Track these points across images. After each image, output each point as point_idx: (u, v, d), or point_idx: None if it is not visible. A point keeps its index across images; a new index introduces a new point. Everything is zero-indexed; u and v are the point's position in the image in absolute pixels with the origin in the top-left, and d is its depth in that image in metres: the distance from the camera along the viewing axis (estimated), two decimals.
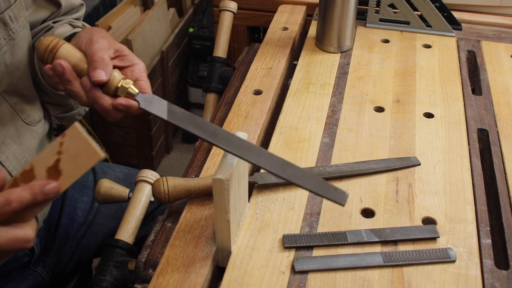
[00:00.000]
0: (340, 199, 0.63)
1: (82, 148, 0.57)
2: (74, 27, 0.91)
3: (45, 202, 0.61)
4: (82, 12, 0.97)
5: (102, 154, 0.57)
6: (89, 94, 0.71)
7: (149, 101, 0.71)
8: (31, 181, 0.60)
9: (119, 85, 0.71)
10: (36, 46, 0.83)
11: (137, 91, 0.71)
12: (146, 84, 0.73)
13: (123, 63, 0.74)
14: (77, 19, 0.95)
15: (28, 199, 0.59)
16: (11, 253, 0.64)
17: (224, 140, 0.64)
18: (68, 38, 0.83)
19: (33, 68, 0.89)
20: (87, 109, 1.01)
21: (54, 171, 0.59)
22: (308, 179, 0.63)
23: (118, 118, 0.74)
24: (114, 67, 0.73)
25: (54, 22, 0.92)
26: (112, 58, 0.73)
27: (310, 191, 0.63)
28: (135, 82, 0.73)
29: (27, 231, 0.61)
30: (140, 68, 0.75)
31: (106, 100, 0.71)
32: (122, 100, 0.71)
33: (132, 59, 0.75)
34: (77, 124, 0.57)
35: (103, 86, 0.71)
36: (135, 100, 0.71)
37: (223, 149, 0.64)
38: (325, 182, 0.64)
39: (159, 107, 0.69)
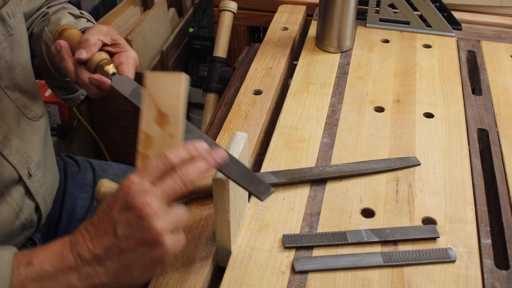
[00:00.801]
0: (261, 193, 0.63)
1: (166, 82, 0.60)
2: (75, 16, 0.96)
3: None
4: None
5: (183, 74, 0.60)
6: (75, 70, 0.78)
7: (121, 81, 0.76)
8: (152, 143, 0.60)
9: (99, 63, 0.77)
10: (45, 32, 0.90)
11: (113, 71, 0.77)
12: (127, 68, 0.78)
13: (115, 50, 0.81)
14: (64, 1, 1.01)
15: (205, 169, 0.59)
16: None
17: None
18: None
19: (41, 58, 0.92)
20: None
21: (160, 117, 0.60)
22: (235, 167, 0.62)
23: (97, 95, 0.80)
24: (107, 52, 0.80)
25: (48, 8, 0.96)
26: (108, 45, 0.80)
27: (232, 180, 0.62)
28: (118, 65, 0.78)
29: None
30: (128, 55, 0.80)
31: (85, 74, 0.78)
32: (96, 76, 0.77)
33: (124, 47, 0.81)
34: (147, 72, 0.61)
35: (86, 64, 0.78)
36: (110, 79, 0.76)
37: None
38: (252, 174, 0.63)
39: (127, 87, 0.75)
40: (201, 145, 0.60)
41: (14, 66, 0.84)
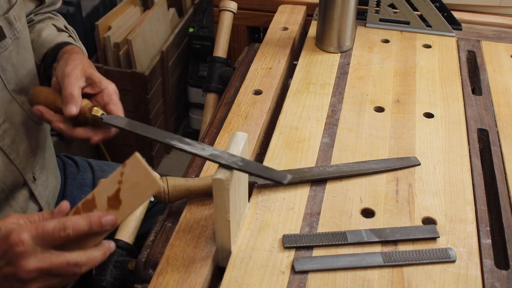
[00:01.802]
0: (281, 177, 0.64)
1: (141, 177, 0.59)
2: (58, 29, 0.95)
3: (102, 233, 0.62)
4: (59, 3, 1.02)
5: (161, 183, 0.59)
6: (67, 129, 0.78)
7: (112, 118, 0.77)
8: (92, 210, 0.62)
9: (84, 113, 0.76)
10: None
11: (101, 113, 0.76)
12: (114, 107, 0.78)
13: (94, 90, 0.79)
14: (54, 10, 1.01)
15: (84, 228, 0.61)
16: (64, 281, 0.64)
17: (177, 140, 0.70)
18: (54, 52, 0.89)
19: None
20: None
21: (114, 200, 0.61)
22: (252, 165, 0.64)
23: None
24: (86, 94, 0.78)
25: (35, 15, 0.96)
26: (85, 87, 0.78)
27: (253, 174, 0.64)
28: (105, 106, 0.77)
29: (77, 256, 0.61)
30: (109, 92, 0.79)
31: (78, 132, 0.78)
32: (98, 136, 0.78)
33: (101, 84, 0.79)
34: (137, 154, 0.59)
35: (77, 116, 0.76)
36: (100, 119, 0.76)
37: (170, 145, 0.69)
38: (265, 166, 0.65)
39: (120, 121, 0.76)
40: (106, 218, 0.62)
41: (20, 69, 0.85)
